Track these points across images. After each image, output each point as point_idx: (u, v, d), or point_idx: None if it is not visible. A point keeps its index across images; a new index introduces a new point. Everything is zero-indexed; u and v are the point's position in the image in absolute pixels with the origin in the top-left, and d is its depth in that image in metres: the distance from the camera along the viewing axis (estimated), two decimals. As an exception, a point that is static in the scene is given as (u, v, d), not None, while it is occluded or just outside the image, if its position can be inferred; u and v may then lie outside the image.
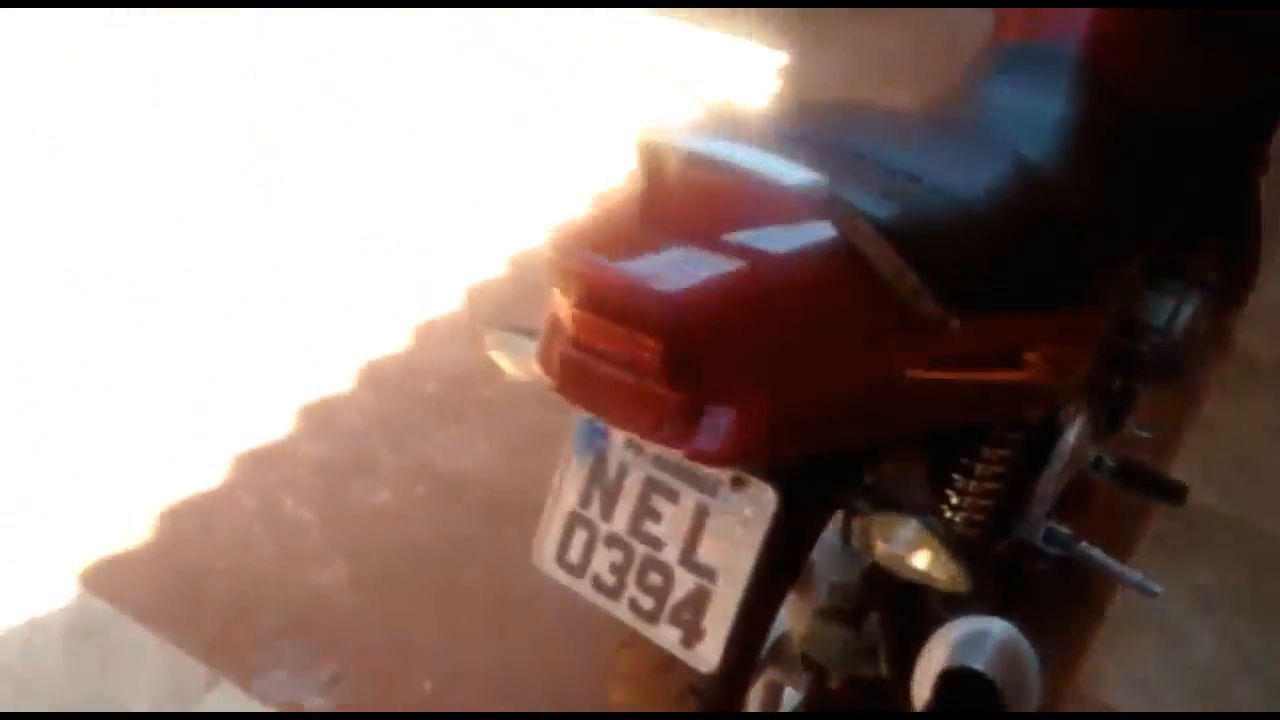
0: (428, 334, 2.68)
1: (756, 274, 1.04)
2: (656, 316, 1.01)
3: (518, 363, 1.31)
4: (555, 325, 1.13)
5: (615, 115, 3.37)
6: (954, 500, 1.41)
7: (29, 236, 2.95)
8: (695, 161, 1.09)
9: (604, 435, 1.22)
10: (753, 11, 3.70)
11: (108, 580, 2.13)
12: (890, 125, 1.44)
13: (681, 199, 1.10)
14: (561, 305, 1.11)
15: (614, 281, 1.03)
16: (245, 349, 2.63)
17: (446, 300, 2.77)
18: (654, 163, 1.13)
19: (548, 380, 1.15)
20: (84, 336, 2.64)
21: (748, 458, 1.06)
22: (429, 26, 3.84)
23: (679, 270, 1.02)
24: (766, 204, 1.07)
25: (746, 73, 3.50)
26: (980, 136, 1.46)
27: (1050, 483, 1.56)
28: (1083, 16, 1.65)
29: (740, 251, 1.05)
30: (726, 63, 3.55)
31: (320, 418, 2.47)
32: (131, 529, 2.21)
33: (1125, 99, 1.59)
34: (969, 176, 1.29)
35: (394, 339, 2.66)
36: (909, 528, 1.12)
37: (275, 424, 2.44)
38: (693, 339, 1.01)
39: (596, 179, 3.10)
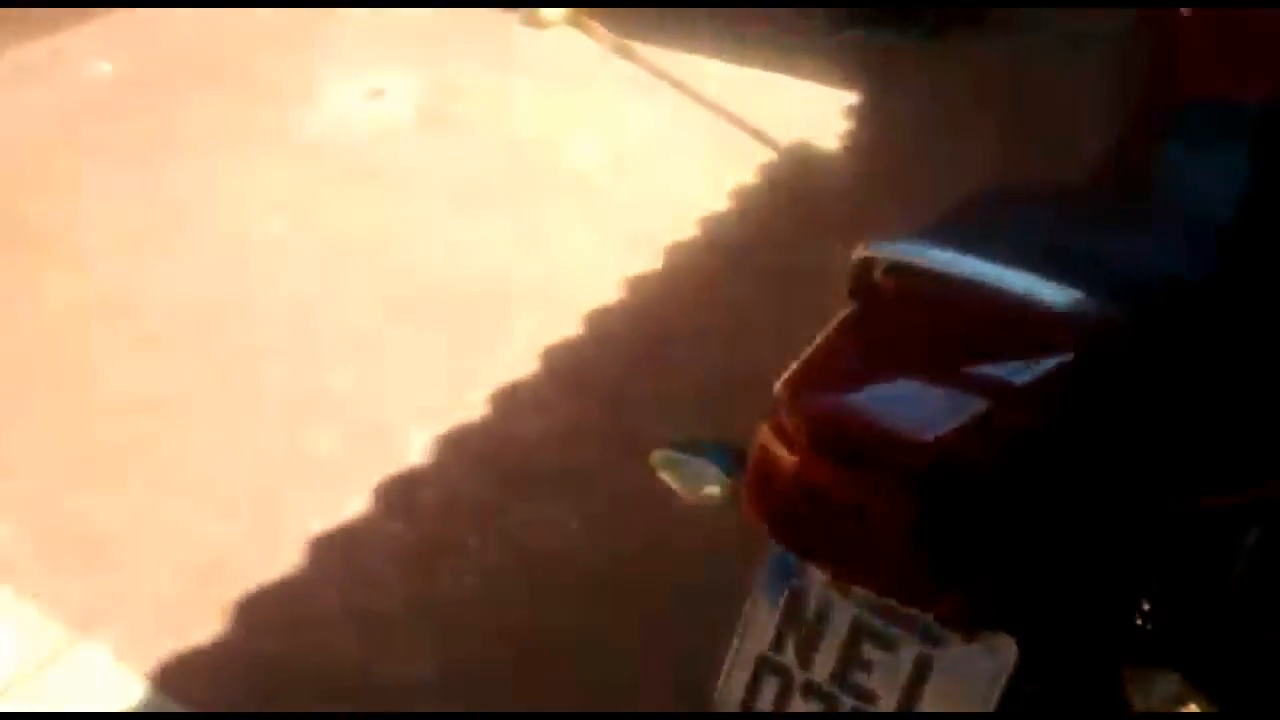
0: (505, 401, 2.54)
1: (1011, 411, 0.90)
2: (911, 466, 0.87)
3: (689, 485, 1.19)
4: (769, 463, 0.99)
5: (684, 160, 3.25)
6: (1146, 609, 1.27)
7: None
8: (923, 277, 0.96)
9: (800, 570, 1.08)
10: (818, 53, 3.57)
11: (182, 681, 1.99)
12: (1082, 209, 1.31)
13: (905, 320, 0.98)
14: (772, 441, 0.97)
15: (857, 425, 0.90)
16: (313, 422, 2.49)
17: (521, 363, 2.63)
18: (868, 280, 1.01)
19: (757, 523, 1.01)
20: (144, 413, 2.51)
21: (1009, 621, 0.92)
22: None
23: (927, 411, 0.89)
24: (1004, 322, 0.94)
25: (815, 114, 3.37)
26: (1181, 213, 1.32)
27: (1239, 580, 1.41)
28: (1272, 68, 1.52)
29: (984, 385, 0.92)
30: (794, 105, 3.42)
31: (399, 496, 2.33)
32: (204, 623, 2.07)
33: None
34: (1192, 262, 1.15)
35: (470, 407, 2.52)
36: (1170, 682, 0.98)
37: (351, 504, 2.30)
38: (950, 489, 0.87)
39: (666, 229, 2.97)
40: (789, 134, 3.27)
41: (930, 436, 0.87)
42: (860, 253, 1.02)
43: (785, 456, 0.97)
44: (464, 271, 2.89)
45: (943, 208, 1.34)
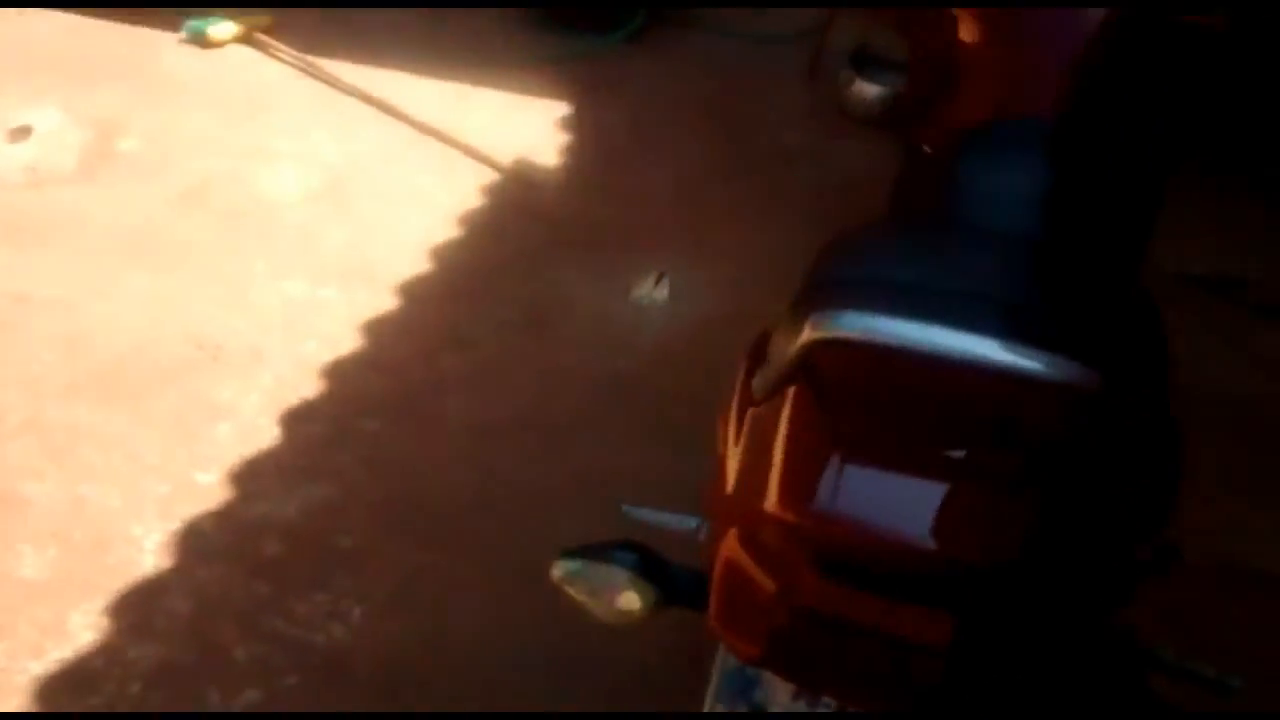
0: (246, 480, 2.23)
1: (1029, 501, 0.82)
2: (944, 583, 0.76)
3: (602, 599, 1.02)
4: (745, 585, 0.85)
5: (398, 186, 3.01)
6: None
7: None
8: (879, 353, 0.85)
9: (759, 684, 0.95)
10: (519, 63, 3.43)
11: None
12: (945, 246, 1.24)
13: (874, 404, 0.87)
14: (744, 559, 0.83)
15: (878, 544, 0.78)
16: (11, 540, 2.08)
17: (255, 434, 2.32)
18: (824, 361, 0.89)
19: (741, 653, 0.87)
20: None
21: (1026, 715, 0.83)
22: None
23: (949, 519, 0.79)
24: (987, 396, 0.85)
25: (528, 128, 3.24)
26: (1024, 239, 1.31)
27: None
28: (1050, 85, 1.55)
29: (991, 475, 0.82)
30: (505, 119, 3.26)
31: (139, 612, 1.99)
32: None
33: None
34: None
35: (204, 493, 2.20)
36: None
37: (81, 632, 1.94)
38: (984, 601, 0.77)
39: (393, 265, 2.74)
40: (506, 151, 3.12)
41: (962, 549, 0.77)
42: (809, 335, 0.89)
43: (766, 579, 0.83)
44: (163, 335, 2.53)
45: (807, 267, 1.25)
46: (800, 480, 0.86)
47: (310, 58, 3.37)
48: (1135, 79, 1.55)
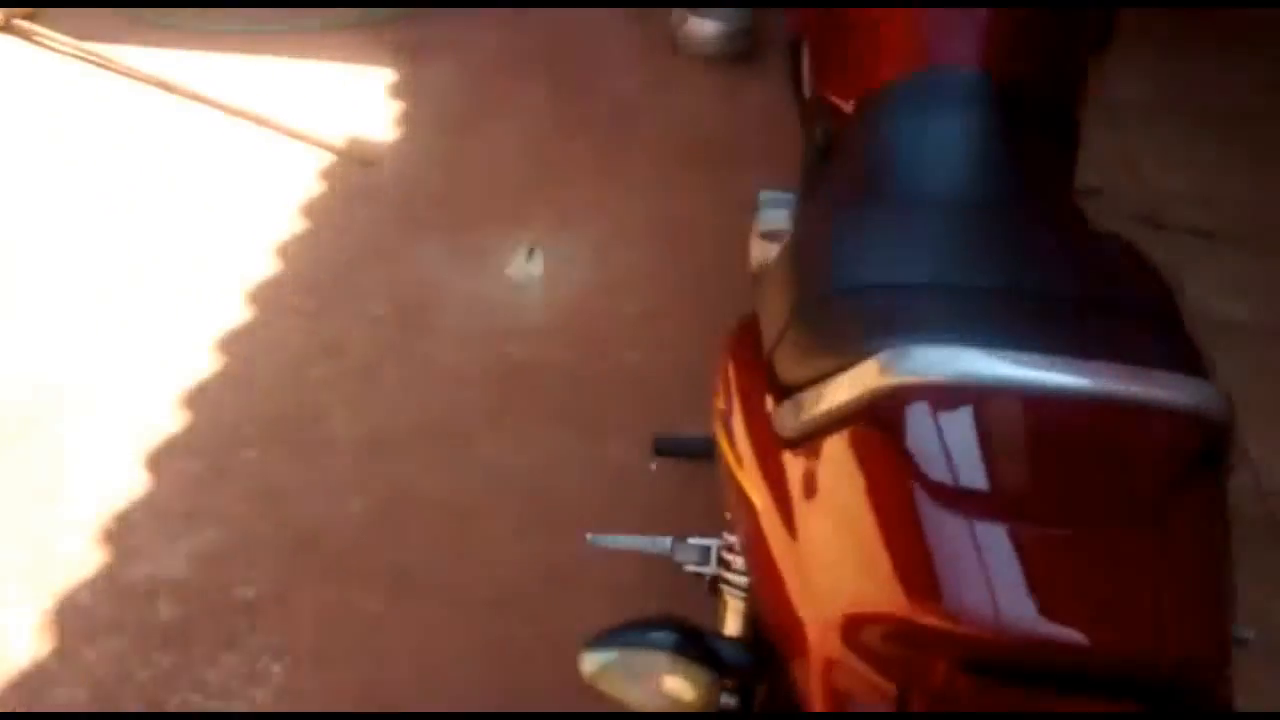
0: (119, 537, 1.99)
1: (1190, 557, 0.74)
2: (1129, 679, 0.68)
3: (645, 689, 0.90)
4: (856, 685, 0.75)
5: (227, 180, 2.73)
6: None
7: None
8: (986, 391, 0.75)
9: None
10: (329, 31, 3.16)
11: None
12: (928, 227, 1.14)
13: (960, 450, 0.76)
14: (854, 660, 0.73)
15: (1046, 646, 0.69)
16: None
17: (121, 484, 2.07)
18: (894, 401, 0.78)
19: None
20: None
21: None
22: None
23: (1116, 601, 0.70)
24: (1087, 431, 0.77)
25: (355, 101, 2.99)
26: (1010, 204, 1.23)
27: None
28: (978, 33, 1.48)
29: (1138, 532, 0.74)
30: (328, 94, 3.00)
31: (24, 704, 1.75)
32: None
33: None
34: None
35: (73, 560, 1.95)
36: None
37: (-40, 742, 1.70)
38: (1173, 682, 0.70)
39: (238, 270, 2.49)
40: (337, 129, 2.87)
41: (1144, 642, 0.68)
42: (885, 381, 0.77)
43: (886, 682, 0.72)
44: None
45: (788, 258, 1.14)
46: (920, 569, 0.74)
47: (90, 45, 3.00)
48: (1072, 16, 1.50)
